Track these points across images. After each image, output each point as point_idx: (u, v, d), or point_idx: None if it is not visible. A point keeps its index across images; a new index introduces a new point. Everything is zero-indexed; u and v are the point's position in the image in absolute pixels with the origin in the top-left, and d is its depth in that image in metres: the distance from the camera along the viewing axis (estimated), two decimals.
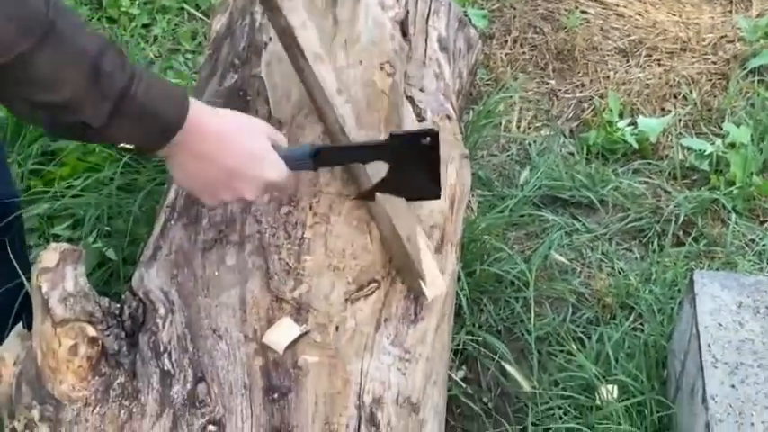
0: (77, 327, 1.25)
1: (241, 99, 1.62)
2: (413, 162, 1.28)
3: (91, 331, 1.26)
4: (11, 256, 1.67)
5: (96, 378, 1.26)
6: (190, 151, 1.22)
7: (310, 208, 1.47)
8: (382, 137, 1.47)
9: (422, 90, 1.79)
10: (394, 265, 1.39)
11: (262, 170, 1.28)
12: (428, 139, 1.26)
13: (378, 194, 1.37)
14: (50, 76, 1.06)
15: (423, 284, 1.34)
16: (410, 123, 1.67)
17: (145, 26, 2.81)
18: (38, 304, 1.28)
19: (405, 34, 1.84)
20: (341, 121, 1.43)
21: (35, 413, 1.24)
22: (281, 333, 1.31)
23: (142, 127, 1.15)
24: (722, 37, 3.05)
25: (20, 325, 1.36)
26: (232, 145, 1.25)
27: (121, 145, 1.16)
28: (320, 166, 1.35)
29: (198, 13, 2.96)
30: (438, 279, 1.35)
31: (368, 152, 1.34)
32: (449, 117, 1.75)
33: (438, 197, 1.35)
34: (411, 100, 1.74)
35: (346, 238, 1.42)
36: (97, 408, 1.24)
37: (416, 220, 1.40)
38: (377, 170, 1.35)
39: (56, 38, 1.05)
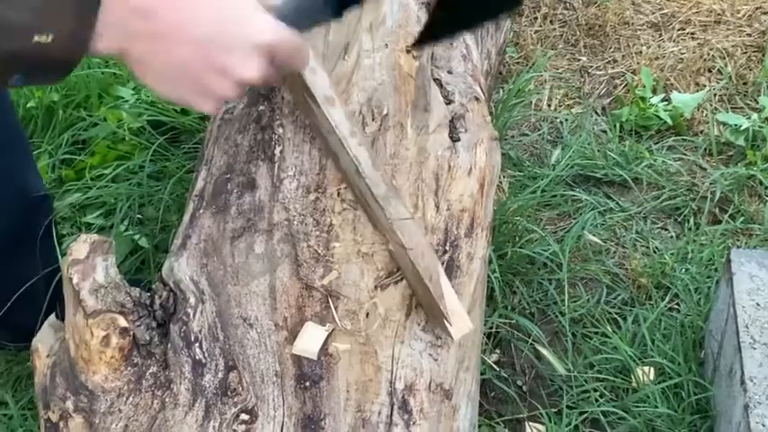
0: (109, 318, 1.26)
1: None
2: None
3: (122, 322, 1.26)
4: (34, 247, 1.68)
5: (129, 368, 1.26)
6: (141, 36, 0.94)
7: (338, 194, 1.47)
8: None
9: (449, 72, 1.77)
10: (418, 302, 1.37)
11: (245, 28, 0.98)
12: None
13: (397, 238, 1.32)
14: None
15: (448, 325, 1.32)
16: (438, 106, 1.66)
17: None
18: (69, 296, 1.29)
19: None
20: (356, 162, 1.40)
21: (69, 404, 1.25)
22: (309, 339, 1.31)
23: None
24: (757, 8, 2.98)
25: (52, 316, 1.37)
26: (192, 8, 0.96)
27: (43, 38, 0.87)
28: (344, 8, 1.05)
29: None
30: (463, 318, 1.32)
31: None
32: (477, 99, 1.72)
33: (520, 3, 1.09)
34: (438, 82, 1.72)
35: None
36: (130, 398, 1.25)
37: (437, 258, 1.37)
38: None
39: None
